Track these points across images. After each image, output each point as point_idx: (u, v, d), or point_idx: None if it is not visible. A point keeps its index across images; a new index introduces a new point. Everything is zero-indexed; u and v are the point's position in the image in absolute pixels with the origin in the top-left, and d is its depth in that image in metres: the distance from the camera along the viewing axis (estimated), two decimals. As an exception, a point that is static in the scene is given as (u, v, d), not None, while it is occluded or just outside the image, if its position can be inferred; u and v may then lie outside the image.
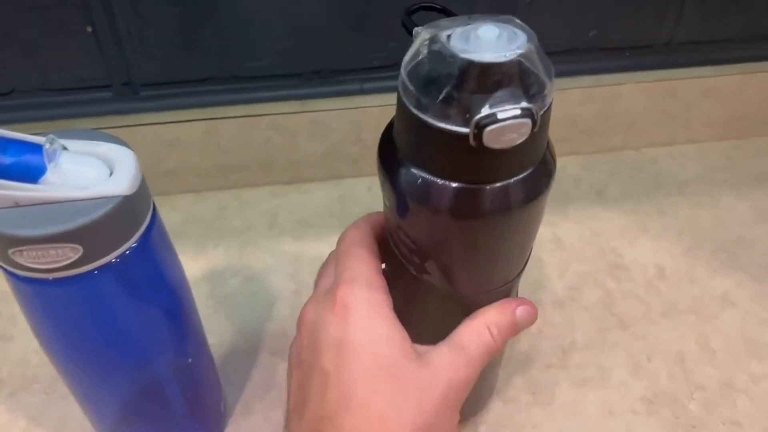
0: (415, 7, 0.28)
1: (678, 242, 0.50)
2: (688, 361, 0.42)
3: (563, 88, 0.51)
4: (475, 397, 0.38)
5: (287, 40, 0.47)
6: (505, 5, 0.47)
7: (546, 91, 0.25)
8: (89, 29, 0.44)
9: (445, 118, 0.24)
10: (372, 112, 0.50)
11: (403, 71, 0.25)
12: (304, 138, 0.51)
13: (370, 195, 0.53)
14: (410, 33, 0.27)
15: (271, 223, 0.51)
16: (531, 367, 0.42)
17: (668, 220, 0.52)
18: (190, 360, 0.32)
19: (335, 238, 0.50)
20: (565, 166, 0.55)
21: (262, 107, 0.49)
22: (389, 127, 0.29)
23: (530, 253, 0.31)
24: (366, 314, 0.27)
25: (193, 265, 0.47)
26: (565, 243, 0.50)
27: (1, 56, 0.45)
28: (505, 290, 0.31)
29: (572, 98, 0.53)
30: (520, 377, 0.42)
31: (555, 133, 0.27)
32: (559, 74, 0.26)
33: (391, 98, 0.52)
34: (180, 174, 0.50)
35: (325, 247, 0.49)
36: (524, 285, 0.34)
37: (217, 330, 0.44)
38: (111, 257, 0.25)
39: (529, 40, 0.24)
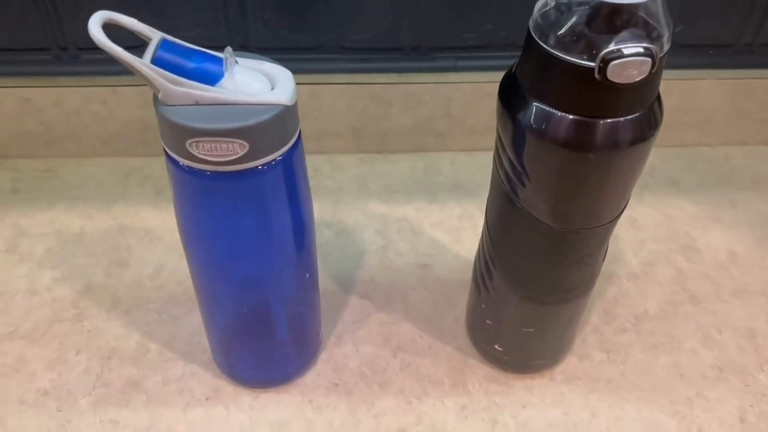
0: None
1: (750, 232, 0.52)
2: (759, 337, 0.44)
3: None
4: (552, 351, 0.41)
5: (390, 17, 0.51)
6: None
7: (664, 38, 0.28)
8: (219, -8, 0.49)
9: (574, 53, 0.27)
10: (463, 89, 0.54)
11: (536, 13, 0.29)
12: (398, 108, 0.55)
13: (453, 168, 0.57)
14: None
15: (361, 186, 0.55)
16: (605, 330, 0.44)
17: (740, 213, 0.54)
18: (307, 275, 0.36)
19: (420, 203, 0.54)
20: (640, 156, 0.58)
21: (363, 77, 0.53)
22: (510, 71, 0.32)
23: (627, 201, 0.34)
24: None
25: (289, 216, 0.51)
26: (641, 224, 0.52)
27: (135, 13, 0.50)
28: (602, 231, 0.34)
29: (653, 90, 0.55)
30: (594, 338, 0.44)
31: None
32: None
33: (482, 76, 0.56)
34: (280, 135, 0.55)
35: (410, 210, 0.53)
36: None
37: (311, 273, 0.47)
38: (264, 161, 0.29)
39: (655, -12, 0.27)
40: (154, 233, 0.50)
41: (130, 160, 0.56)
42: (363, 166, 0.57)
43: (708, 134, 0.59)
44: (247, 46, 0.52)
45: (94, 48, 0.27)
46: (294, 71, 0.53)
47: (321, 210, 0.52)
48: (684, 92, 0.56)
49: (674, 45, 0.55)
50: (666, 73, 0.56)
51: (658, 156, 0.59)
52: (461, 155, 0.58)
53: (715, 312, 0.46)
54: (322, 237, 0.50)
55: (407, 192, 0.55)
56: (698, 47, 0.55)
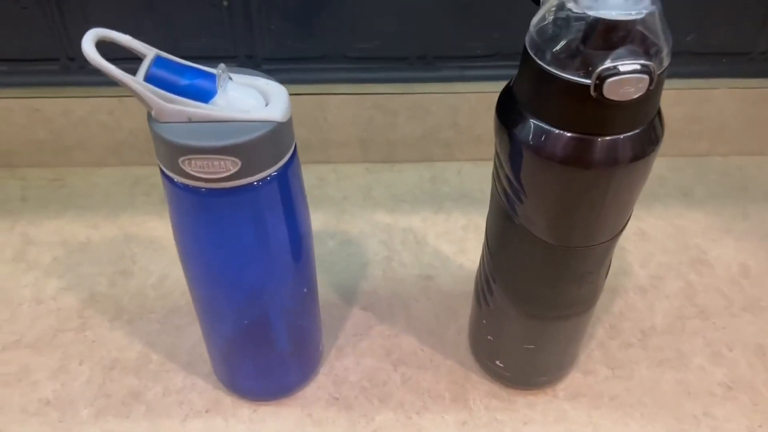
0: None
1: (762, 245, 0.51)
2: (768, 354, 0.43)
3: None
4: (554, 367, 0.40)
5: (396, 26, 0.51)
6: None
7: (663, 54, 0.27)
8: (225, 3, 0.49)
9: (570, 70, 0.27)
10: (469, 98, 0.53)
11: (532, 29, 0.28)
12: (404, 119, 0.54)
13: (459, 178, 0.56)
14: (537, 2, 0.30)
15: (366, 196, 0.55)
16: (611, 345, 0.44)
17: (753, 224, 0.53)
18: (305, 290, 0.36)
19: (425, 213, 0.53)
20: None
21: (369, 87, 0.53)
22: (508, 86, 0.31)
23: (629, 217, 0.33)
24: None
25: (294, 226, 0.51)
26: (650, 236, 0.51)
27: (141, 23, 0.50)
28: (602, 249, 0.33)
29: (664, 99, 0.54)
30: (599, 353, 0.43)
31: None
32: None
33: (489, 86, 0.56)
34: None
35: (415, 220, 0.53)
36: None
37: (314, 284, 0.47)
38: (258, 177, 0.29)
39: (653, 3, 0.26)
40: (158, 243, 0.50)
41: (137, 169, 0.56)
42: (369, 176, 0.56)
43: (721, 144, 0.58)
44: (254, 56, 0.52)
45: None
46: (300, 81, 0.54)
47: (325, 220, 0.52)
48: (696, 101, 0.55)
49: (686, 53, 0.55)
50: (678, 82, 0.55)
51: (669, 166, 0.58)
52: (468, 165, 0.57)
53: (724, 327, 0.45)
54: (326, 247, 0.50)
55: (413, 202, 0.54)
56: (711, 56, 0.54)
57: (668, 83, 0.54)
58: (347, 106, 0.53)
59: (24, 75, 0.53)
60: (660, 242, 0.51)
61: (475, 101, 0.54)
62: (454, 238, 0.51)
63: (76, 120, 0.54)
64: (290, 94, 0.30)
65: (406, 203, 0.54)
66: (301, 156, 0.32)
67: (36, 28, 0.50)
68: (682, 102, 0.55)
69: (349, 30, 0.51)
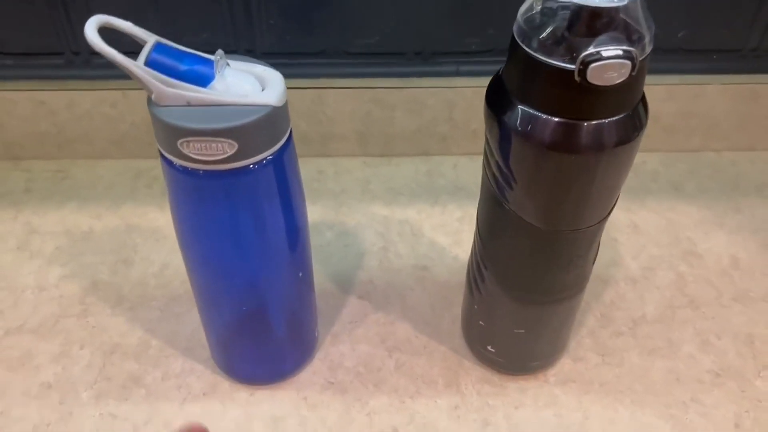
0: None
1: (753, 238, 0.52)
2: (757, 343, 0.44)
3: (648, 84, 0.54)
4: (545, 352, 0.41)
5: (394, 22, 0.52)
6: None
7: (645, 41, 0.28)
8: (225, -2, 0.50)
9: (555, 56, 0.28)
10: (465, 93, 0.54)
11: (520, 18, 0.29)
12: (401, 113, 0.55)
13: (455, 172, 0.57)
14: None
15: (364, 189, 0.56)
16: (601, 333, 0.44)
17: (744, 218, 0.53)
18: (300, 274, 0.37)
19: (421, 206, 0.54)
20: (644, 161, 0.58)
21: (367, 81, 0.54)
22: (497, 74, 0.32)
23: (615, 202, 0.34)
24: None
25: (292, 217, 0.52)
26: (642, 229, 0.52)
27: (144, 18, 0.51)
28: (590, 233, 0.34)
29: (656, 94, 0.55)
30: (590, 341, 0.44)
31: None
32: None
33: (485, 81, 0.56)
34: (285, 138, 0.56)
35: (412, 212, 0.53)
36: (599, 262, 0.37)
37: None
38: (255, 160, 0.30)
39: (635, -8, 0.27)
40: (159, 233, 0.51)
41: (139, 161, 0.57)
42: (367, 169, 0.57)
43: (714, 139, 0.59)
44: (254, 51, 0.53)
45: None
46: (299, 76, 0.55)
47: (323, 212, 0.53)
48: (689, 97, 0.56)
49: (678, 50, 0.55)
50: (670, 78, 0.56)
51: (661, 161, 0.58)
52: (463, 159, 0.58)
53: (714, 317, 0.46)
54: (324, 238, 0.51)
55: (410, 195, 0.55)
56: (702, 52, 0.55)
57: (661, 79, 0.55)
58: (346, 100, 0.54)
59: (29, 68, 0.54)
60: (652, 235, 0.52)
61: (470, 96, 0.55)
62: (450, 230, 0.52)
63: (80, 113, 0.55)
64: (289, 88, 0.31)
65: (403, 196, 0.55)
66: (301, 149, 0.33)
67: (41, 22, 0.51)
68: (675, 98, 0.56)
69: (348, 26, 0.52)
